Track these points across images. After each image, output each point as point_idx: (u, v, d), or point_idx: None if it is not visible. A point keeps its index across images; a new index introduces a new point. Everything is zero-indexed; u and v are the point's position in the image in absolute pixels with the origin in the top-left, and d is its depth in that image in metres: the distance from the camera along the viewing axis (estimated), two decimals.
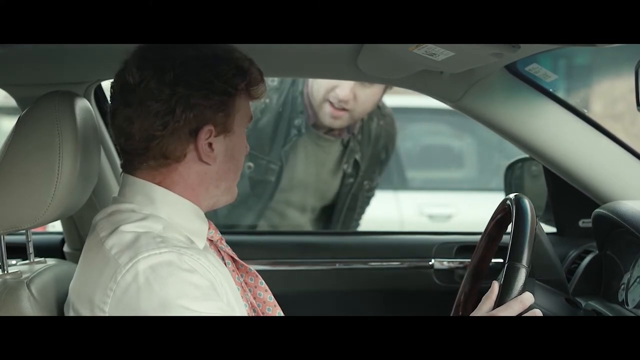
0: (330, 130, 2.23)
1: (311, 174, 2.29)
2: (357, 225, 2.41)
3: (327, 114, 2.16)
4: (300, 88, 2.22)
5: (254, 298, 1.29)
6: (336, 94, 2.11)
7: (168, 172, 1.18)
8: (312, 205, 2.33)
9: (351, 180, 2.29)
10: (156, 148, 1.15)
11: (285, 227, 2.34)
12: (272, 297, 1.31)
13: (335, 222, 2.32)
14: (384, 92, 2.19)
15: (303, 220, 2.34)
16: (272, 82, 2.22)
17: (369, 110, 2.21)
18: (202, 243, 1.20)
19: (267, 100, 2.23)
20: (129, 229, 1.13)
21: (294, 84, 2.23)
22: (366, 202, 2.40)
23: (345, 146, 2.26)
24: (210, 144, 1.17)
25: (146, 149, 1.16)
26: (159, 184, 1.18)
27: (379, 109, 2.31)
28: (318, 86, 2.17)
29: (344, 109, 2.14)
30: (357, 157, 2.28)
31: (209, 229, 1.24)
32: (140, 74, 1.14)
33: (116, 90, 1.18)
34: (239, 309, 1.18)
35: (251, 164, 2.22)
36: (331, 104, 2.14)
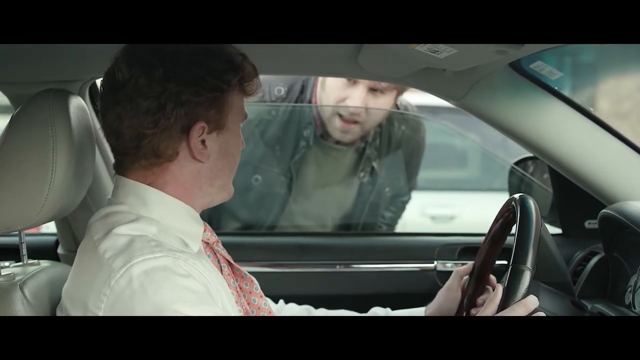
0: (340, 141, 2.17)
1: (326, 184, 2.23)
2: (392, 230, 2.33)
3: (336, 128, 2.09)
4: (309, 97, 2.16)
5: (248, 304, 1.27)
6: (347, 105, 2.04)
7: (160, 172, 1.16)
8: (331, 216, 2.27)
9: (369, 188, 2.23)
10: (147, 147, 1.13)
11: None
12: (267, 303, 1.29)
13: (354, 228, 2.26)
14: (396, 100, 2.13)
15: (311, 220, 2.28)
16: (278, 92, 2.16)
17: (380, 120, 2.15)
18: (196, 246, 1.18)
19: (274, 112, 2.18)
20: (123, 232, 1.11)
21: (303, 92, 2.17)
22: (401, 207, 2.34)
23: (361, 154, 2.19)
24: (203, 141, 1.15)
25: (137, 148, 1.14)
26: (150, 184, 1.16)
27: (401, 113, 2.24)
28: (327, 98, 2.10)
29: (355, 122, 2.07)
30: (375, 164, 2.21)
31: (205, 230, 1.22)
32: (129, 71, 1.12)
33: (105, 88, 1.17)
34: (234, 313, 1.16)
35: (259, 177, 2.17)
36: (341, 117, 2.07)
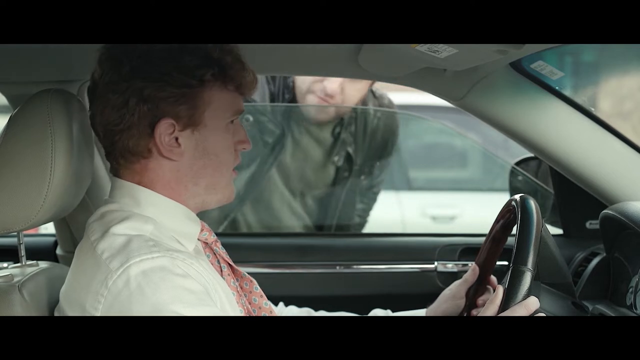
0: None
1: (298, 159, 2.21)
2: (364, 222, 2.34)
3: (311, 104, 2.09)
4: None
5: (250, 303, 1.26)
6: (323, 86, 2.04)
7: (142, 170, 1.16)
8: (300, 191, 2.25)
9: (345, 174, 2.22)
10: (119, 144, 1.14)
11: (285, 228, 2.29)
12: (268, 302, 1.28)
13: (331, 217, 2.25)
14: (371, 86, 2.14)
15: (294, 205, 2.25)
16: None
17: (354, 103, 2.14)
18: (191, 245, 1.18)
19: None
20: (120, 232, 1.11)
21: None
22: (372, 198, 2.33)
23: (336, 138, 2.19)
24: (176, 139, 1.14)
25: (112, 146, 1.16)
26: (138, 183, 1.17)
27: (376, 100, 2.23)
28: (303, 79, 2.10)
29: (330, 98, 2.06)
30: (350, 150, 2.20)
31: (202, 230, 1.21)
32: (102, 69, 1.14)
33: (88, 90, 1.19)
34: (234, 314, 1.16)
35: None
36: (317, 96, 2.07)
